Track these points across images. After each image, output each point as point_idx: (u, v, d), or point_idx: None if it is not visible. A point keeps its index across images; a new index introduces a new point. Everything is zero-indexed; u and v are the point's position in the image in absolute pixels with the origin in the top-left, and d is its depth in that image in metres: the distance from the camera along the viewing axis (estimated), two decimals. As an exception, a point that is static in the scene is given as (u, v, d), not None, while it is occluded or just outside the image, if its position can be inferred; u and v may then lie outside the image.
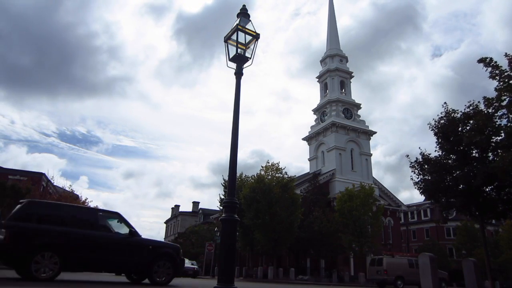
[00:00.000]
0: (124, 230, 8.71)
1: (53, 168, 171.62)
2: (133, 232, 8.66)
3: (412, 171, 16.24)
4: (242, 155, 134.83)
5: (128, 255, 8.48)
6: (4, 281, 7.06)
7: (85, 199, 35.27)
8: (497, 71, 12.63)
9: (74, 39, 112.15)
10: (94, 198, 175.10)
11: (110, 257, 8.30)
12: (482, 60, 13.07)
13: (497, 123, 13.74)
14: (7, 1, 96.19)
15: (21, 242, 7.08)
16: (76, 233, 7.84)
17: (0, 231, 6.96)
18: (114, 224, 8.80)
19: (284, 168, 30.49)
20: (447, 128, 15.20)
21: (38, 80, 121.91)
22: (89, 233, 8.07)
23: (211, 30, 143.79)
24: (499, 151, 13.51)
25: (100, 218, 8.63)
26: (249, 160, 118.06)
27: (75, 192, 34.43)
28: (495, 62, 12.80)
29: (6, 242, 6.89)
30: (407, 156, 16.59)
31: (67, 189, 32.53)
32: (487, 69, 12.87)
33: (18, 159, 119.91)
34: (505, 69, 12.62)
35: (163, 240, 21.68)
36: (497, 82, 12.73)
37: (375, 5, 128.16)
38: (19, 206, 7.71)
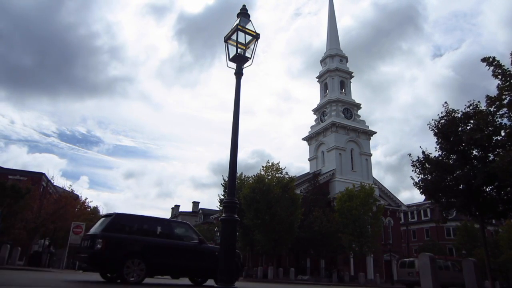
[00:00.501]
0: (193, 238, 9.75)
1: (53, 168, 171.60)
2: (201, 240, 9.69)
3: (412, 170, 16.23)
4: (242, 155, 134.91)
5: (199, 261, 9.45)
6: (99, 284, 8.00)
7: (85, 199, 35.30)
8: (499, 70, 12.67)
9: (76, 40, 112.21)
10: (95, 198, 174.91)
11: (185, 263, 9.34)
12: (485, 59, 13.11)
13: (498, 122, 13.75)
14: (8, 1, 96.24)
15: (114, 250, 8.13)
16: (157, 242, 8.91)
17: (97, 240, 7.97)
18: (185, 233, 9.94)
19: (284, 168, 30.51)
20: (447, 128, 15.20)
21: (39, 80, 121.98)
22: (168, 242, 9.13)
23: (212, 30, 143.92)
24: (498, 150, 13.51)
25: (174, 228, 9.75)
26: (249, 160, 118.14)
27: (75, 192, 34.41)
28: (498, 61, 12.84)
29: (102, 250, 7.89)
30: (409, 155, 16.57)
31: (67, 189, 32.49)
32: (490, 68, 12.91)
33: (19, 159, 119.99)
34: (508, 68, 12.64)
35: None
36: (499, 81, 12.77)
37: (376, 5, 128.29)
38: (109, 218, 8.80)
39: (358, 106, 48.43)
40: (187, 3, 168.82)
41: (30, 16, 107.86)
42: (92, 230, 8.89)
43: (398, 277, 24.53)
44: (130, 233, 8.71)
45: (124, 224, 8.89)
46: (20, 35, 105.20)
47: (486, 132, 13.63)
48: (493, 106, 13.19)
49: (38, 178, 33.73)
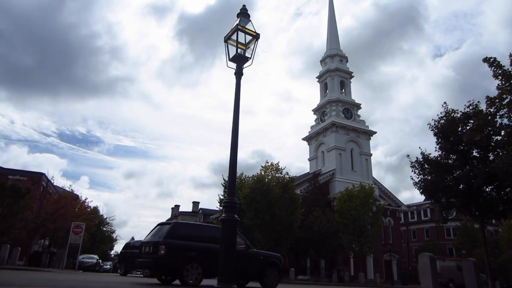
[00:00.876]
0: (240, 243, 10.24)
1: (54, 168, 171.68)
2: (248, 245, 10.45)
3: (412, 171, 16.24)
4: (243, 155, 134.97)
5: (247, 264, 10.14)
6: (159, 285, 8.97)
7: (85, 199, 35.27)
8: (499, 71, 12.69)
9: (77, 40, 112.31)
10: (95, 198, 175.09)
11: (237, 267, 9.54)
12: (486, 60, 13.14)
13: (498, 122, 13.76)
14: (9, 2, 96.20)
15: (175, 256, 8.97)
16: (211, 247, 9.36)
17: (160, 247, 8.84)
18: None
19: (284, 168, 30.49)
20: (447, 128, 15.20)
21: (39, 81, 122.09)
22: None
23: (213, 30, 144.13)
24: (498, 150, 13.51)
25: (205, 228, 10.50)
26: (250, 160, 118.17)
27: (75, 192, 34.38)
28: (499, 62, 12.89)
29: (165, 256, 8.78)
30: (408, 156, 16.59)
31: (67, 189, 32.44)
32: (491, 69, 12.95)
33: (19, 159, 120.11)
34: (508, 68, 12.66)
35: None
36: (499, 81, 12.78)
37: (377, 5, 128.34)
38: (168, 226, 9.68)
39: (358, 106, 48.41)
40: (188, 3, 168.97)
41: (31, 16, 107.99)
42: (151, 238, 9.75)
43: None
44: (187, 240, 9.52)
45: (181, 232, 9.76)
46: (21, 35, 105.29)
47: (486, 132, 13.63)
48: (493, 107, 13.21)
49: (38, 178, 33.70)
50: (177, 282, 9.68)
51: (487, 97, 13.33)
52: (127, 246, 19.02)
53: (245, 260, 10.00)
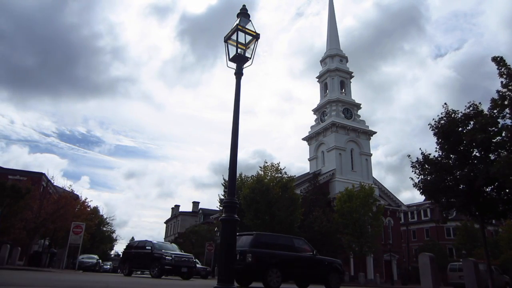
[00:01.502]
0: (308, 250, 11.95)
1: (54, 168, 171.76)
2: (314, 252, 11.83)
3: (413, 171, 16.26)
4: (243, 155, 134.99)
5: (314, 269, 11.68)
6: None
7: (85, 199, 35.27)
8: (504, 70, 12.76)
9: (78, 40, 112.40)
10: (95, 198, 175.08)
11: (306, 271, 11.51)
12: (494, 59, 13.23)
13: (500, 123, 13.77)
14: (12, 2, 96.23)
15: (260, 262, 10.40)
16: (288, 254, 11.18)
17: (247, 255, 10.25)
18: (302, 246, 12.16)
19: (283, 168, 30.47)
20: (447, 127, 15.21)
21: (41, 81, 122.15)
22: (294, 254, 11.43)
23: (215, 30, 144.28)
24: (500, 150, 13.51)
25: (296, 242, 12.05)
26: (251, 160, 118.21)
27: (75, 192, 34.37)
28: (505, 60, 13.00)
29: (253, 262, 10.25)
30: (409, 156, 16.61)
31: (67, 189, 32.45)
32: (498, 67, 13.02)
33: (20, 159, 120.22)
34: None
35: (169, 243, 22.00)
36: (503, 79, 12.85)
37: (378, 6, 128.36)
38: (251, 237, 11.17)
39: (358, 106, 48.40)
40: (189, 3, 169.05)
41: (33, 17, 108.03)
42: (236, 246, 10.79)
43: (449, 280, 26.61)
44: (266, 248, 10.93)
45: (262, 241, 11.20)
46: (23, 35, 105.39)
47: (487, 133, 13.65)
48: (497, 109, 13.25)
49: (38, 178, 33.68)
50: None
51: (493, 99, 13.37)
52: (130, 246, 18.87)
53: (313, 265, 11.64)
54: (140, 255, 16.61)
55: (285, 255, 11.00)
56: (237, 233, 11.33)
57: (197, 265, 21.06)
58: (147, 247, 16.51)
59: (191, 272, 16.52)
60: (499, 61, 13.00)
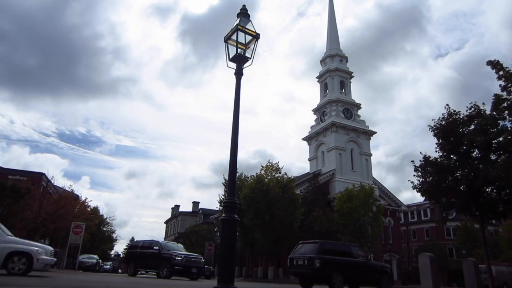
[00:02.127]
0: (362, 256, 13.60)
1: (55, 168, 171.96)
2: (367, 258, 13.43)
3: (414, 175, 16.32)
4: (244, 156, 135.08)
5: (369, 272, 13.13)
6: None
7: (85, 199, 35.29)
8: (502, 73, 12.76)
9: (80, 41, 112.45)
10: (96, 198, 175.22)
11: (362, 275, 12.89)
12: (490, 63, 13.23)
13: (500, 124, 13.79)
14: (14, 3, 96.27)
15: (326, 267, 11.91)
16: (347, 260, 12.65)
17: (315, 261, 11.83)
18: (357, 252, 13.49)
19: (282, 167, 30.47)
20: (448, 128, 15.23)
21: (42, 81, 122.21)
22: (352, 260, 12.78)
23: (216, 31, 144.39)
24: (501, 152, 13.52)
25: (352, 249, 13.52)
26: (251, 160, 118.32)
27: (75, 192, 34.38)
28: (501, 64, 13.00)
29: (319, 267, 11.81)
30: (412, 161, 16.67)
31: (67, 189, 32.46)
32: (495, 71, 13.01)
33: (21, 159, 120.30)
34: (509, 69, 12.71)
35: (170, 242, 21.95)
36: (502, 82, 12.85)
37: (380, 6, 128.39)
38: (317, 244, 12.75)
39: (358, 106, 48.38)
40: (191, 4, 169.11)
41: (35, 17, 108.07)
42: (301, 254, 12.70)
43: (477, 281, 26.64)
44: (329, 254, 12.45)
45: (326, 248, 12.71)
46: (25, 36, 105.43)
47: (488, 134, 13.66)
48: (499, 107, 13.25)
49: (38, 178, 33.67)
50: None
51: (495, 95, 13.30)
52: (134, 246, 18.50)
53: (367, 269, 13.08)
54: (147, 255, 16.36)
55: (345, 260, 12.58)
56: (301, 241, 13.68)
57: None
58: (154, 247, 16.26)
59: (200, 273, 16.42)
60: (495, 64, 13.00)
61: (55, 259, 10.82)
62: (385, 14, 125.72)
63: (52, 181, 31.04)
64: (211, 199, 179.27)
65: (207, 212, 62.73)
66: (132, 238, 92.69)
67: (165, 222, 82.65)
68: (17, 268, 9.33)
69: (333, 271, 11.70)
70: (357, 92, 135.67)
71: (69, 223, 25.25)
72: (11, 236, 10.12)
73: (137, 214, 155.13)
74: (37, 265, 9.56)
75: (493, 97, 13.07)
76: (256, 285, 12.34)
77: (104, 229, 48.59)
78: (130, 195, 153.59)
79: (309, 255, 12.00)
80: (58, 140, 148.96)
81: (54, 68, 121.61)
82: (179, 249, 17.08)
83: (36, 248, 9.68)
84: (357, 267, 12.82)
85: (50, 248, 10.81)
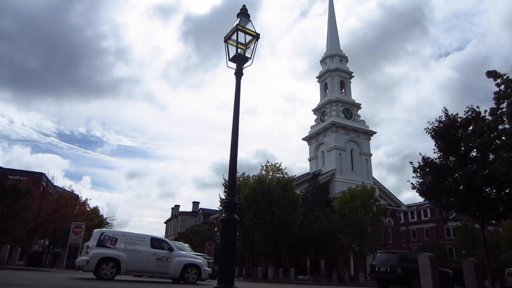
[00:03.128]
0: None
1: (56, 168, 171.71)
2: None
3: (413, 177, 16.40)
4: (246, 156, 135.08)
5: (439, 278, 13.92)
6: None
7: (85, 199, 35.30)
8: (500, 80, 12.86)
9: (82, 41, 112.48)
10: (97, 199, 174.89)
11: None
12: (489, 73, 13.38)
13: (499, 128, 13.86)
14: (17, 3, 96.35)
15: (407, 274, 13.87)
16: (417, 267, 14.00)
17: (398, 269, 13.95)
18: (415, 258, 14.86)
19: (285, 168, 30.48)
20: (444, 130, 15.31)
21: (44, 82, 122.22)
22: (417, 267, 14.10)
23: (219, 31, 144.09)
24: (500, 152, 13.54)
25: (414, 257, 14.52)
26: (253, 160, 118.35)
27: (75, 192, 34.41)
28: (499, 73, 13.12)
29: (402, 274, 13.97)
30: (411, 162, 16.76)
31: (67, 189, 32.48)
32: (495, 80, 13.10)
33: (22, 159, 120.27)
34: (507, 75, 12.80)
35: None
36: (502, 88, 12.95)
37: (382, 6, 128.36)
38: (397, 254, 15.15)
39: (358, 106, 48.39)
40: (193, 4, 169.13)
41: (38, 18, 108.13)
42: (383, 262, 14.84)
43: (507, 283, 27.98)
44: (407, 263, 14.40)
45: (404, 257, 14.94)
46: (28, 36, 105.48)
47: (485, 135, 13.71)
48: (494, 116, 13.33)
49: (38, 178, 33.69)
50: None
51: (492, 108, 13.48)
52: None
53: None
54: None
55: (416, 267, 13.48)
56: (379, 251, 14.87)
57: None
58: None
59: (213, 275, 16.34)
60: (494, 75, 13.14)
61: (210, 269, 13.26)
62: (388, 15, 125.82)
63: (52, 181, 31.04)
64: (211, 199, 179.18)
65: (207, 212, 62.72)
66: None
67: (165, 222, 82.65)
68: (191, 278, 11.65)
69: (412, 276, 13.32)
70: (359, 92, 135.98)
71: (69, 223, 25.25)
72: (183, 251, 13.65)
73: (138, 214, 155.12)
74: (204, 275, 12.08)
75: (494, 95, 13.09)
76: (256, 285, 12.34)
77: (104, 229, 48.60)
78: (131, 195, 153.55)
79: (391, 263, 14.18)
80: (58, 140, 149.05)
81: (56, 69, 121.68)
82: (187, 249, 16.95)
83: (202, 261, 12.27)
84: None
85: (206, 260, 13.45)
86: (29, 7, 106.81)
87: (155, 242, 11.52)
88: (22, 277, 9.67)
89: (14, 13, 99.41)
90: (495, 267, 33.10)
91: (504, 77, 12.84)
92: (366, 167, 44.62)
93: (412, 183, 16.41)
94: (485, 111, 14.37)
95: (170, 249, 11.57)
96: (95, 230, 11.37)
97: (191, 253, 16.46)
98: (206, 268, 12.32)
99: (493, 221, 22.76)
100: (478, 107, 15.08)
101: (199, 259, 12.47)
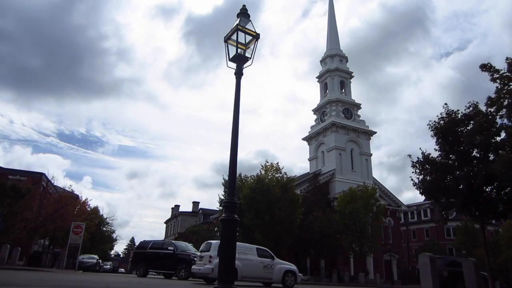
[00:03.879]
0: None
1: (57, 168, 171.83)
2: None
3: (413, 172, 16.33)
4: (246, 156, 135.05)
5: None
6: None
7: (85, 199, 35.31)
8: (497, 75, 12.80)
9: (84, 42, 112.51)
10: (97, 199, 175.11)
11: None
12: (483, 66, 13.29)
13: (498, 123, 13.81)
14: (20, 4, 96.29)
15: (452, 277, 15.64)
16: (455, 270, 15.65)
17: (444, 272, 15.57)
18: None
19: (282, 168, 30.46)
20: (446, 128, 15.26)
21: (46, 82, 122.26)
22: (459, 270, 14.49)
23: (221, 31, 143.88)
24: (500, 151, 13.53)
25: (460, 260, 15.58)
26: (253, 160, 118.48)
27: (75, 192, 34.41)
28: (494, 67, 13.06)
29: (447, 277, 15.53)
30: (409, 156, 16.68)
31: (67, 189, 32.47)
32: (489, 74, 13.05)
33: (23, 159, 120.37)
34: (504, 72, 12.76)
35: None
36: (498, 85, 12.88)
37: (384, 7, 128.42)
38: (442, 260, 17.07)
39: (358, 106, 48.40)
40: (195, 5, 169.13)
41: (40, 18, 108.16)
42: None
43: None
44: (452, 267, 16.36)
45: (447, 261, 17.08)
46: (30, 37, 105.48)
47: (485, 134, 13.68)
48: (493, 107, 13.27)
49: (38, 178, 33.66)
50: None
51: (488, 97, 13.39)
52: (143, 246, 17.80)
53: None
54: (160, 256, 15.98)
55: (458, 271, 14.60)
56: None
57: None
58: (168, 248, 16.03)
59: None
60: (488, 67, 13.08)
61: (301, 274, 14.98)
62: (389, 15, 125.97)
63: (52, 181, 31.03)
64: (211, 199, 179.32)
65: (207, 212, 62.72)
66: (132, 238, 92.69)
67: (165, 222, 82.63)
68: (289, 282, 13.24)
69: (457, 279, 14.58)
70: (360, 93, 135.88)
71: (69, 223, 25.25)
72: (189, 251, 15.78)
73: (138, 214, 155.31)
74: (298, 280, 13.83)
75: (494, 95, 13.08)
76: (256, 285, 12.32)
77: (104, 229, 48.62)
78: (132, 195, 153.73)
79: (439, 267, 14.90)
80: (58, 140, 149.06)
81: (58, 69, 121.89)
82: (190, 248, 16.80)
83: (295, 267, 13.92)
84: (461, 275, 15.95)
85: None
86: (31, 7, 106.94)
87: (259, 251, 13.35)
88: (22, 277, 9.67)
89: (16, 13, 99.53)
90: (495, 267, 33.08)
91: (500, 73, 12.81)
92: (366, 167, 44.63)
93: (412, 179, 16.37)
94: (484, 104, 14.31)
95: (272, 258, 13.42)
96: (213, 242, 12.71)
97: (197, 253, 16.34)
98: (300, 274, 14.30)
99: (493, 221, 22.75)
100: (477, 102, 14.99)
101: (293, 266, 14.09)
